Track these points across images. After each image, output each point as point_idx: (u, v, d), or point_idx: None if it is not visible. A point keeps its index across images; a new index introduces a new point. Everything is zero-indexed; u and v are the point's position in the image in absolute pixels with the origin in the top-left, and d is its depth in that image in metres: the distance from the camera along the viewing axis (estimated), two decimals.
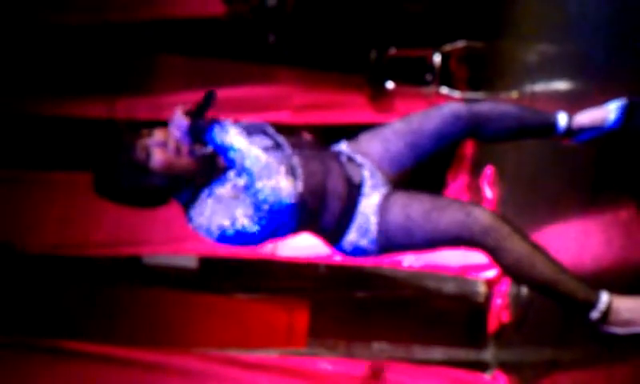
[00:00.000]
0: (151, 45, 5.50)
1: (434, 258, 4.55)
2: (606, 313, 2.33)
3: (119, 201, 2.45)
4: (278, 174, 2.31)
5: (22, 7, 5.13)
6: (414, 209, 2.43)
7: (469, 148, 5.37)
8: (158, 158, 2.37)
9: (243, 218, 2.33)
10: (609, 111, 2.61)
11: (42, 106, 5.23)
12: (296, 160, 2.45)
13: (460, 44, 5.41)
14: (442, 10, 5.65)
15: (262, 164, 2.31)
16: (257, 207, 2.32)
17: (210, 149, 2.40)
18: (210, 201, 2.38)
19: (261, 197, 2.31)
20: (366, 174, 2.53)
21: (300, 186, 2.39)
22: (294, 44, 5.78)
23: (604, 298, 2.34)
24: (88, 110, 5.22)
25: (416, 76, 5.46)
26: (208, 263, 5.19)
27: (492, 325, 4.60)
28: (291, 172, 2.37)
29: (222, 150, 2.36)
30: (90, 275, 5.03)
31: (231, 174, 2.41)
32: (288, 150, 2.49)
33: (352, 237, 2.47)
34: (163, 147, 2.38)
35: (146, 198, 2.44)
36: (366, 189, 2.50)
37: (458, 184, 5.41)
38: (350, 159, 2.55)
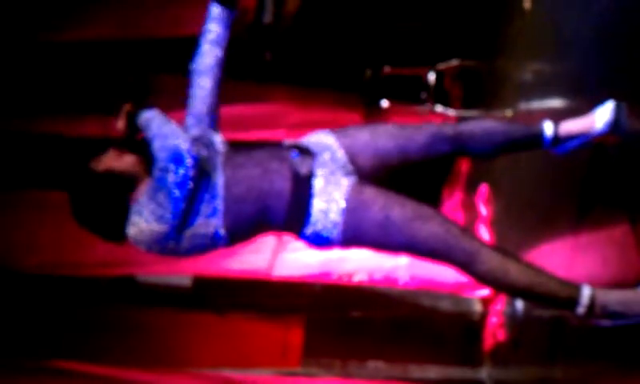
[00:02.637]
0: (146, 63, 5.50)
1: (430, 276, 4.53)
2: (591, 306, 2.36)
3: (87, 219, 2.56)
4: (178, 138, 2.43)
5: (15, 26, 5.12)
6: (395, 212, 2.43)
7: (464, 165, 5.37)
8: (102, 160, 2.55)
9: (149, 216, 2.43)
10: (595, 118, 2.61)
11: (36, 124, 5.22)
12: (220, 160, 2.48)
13: (454, 62, 5.43)
14: (437, 29, 5.66)
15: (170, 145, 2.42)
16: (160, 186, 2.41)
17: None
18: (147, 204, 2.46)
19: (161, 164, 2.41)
20: (323, 158, 2.49)
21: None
22: (290, 62, 5.78)
23: (586, 291, 2.37)
24: (82, 128, 5.21)
25: (411, 94, 5.46)
26: (202, 282, 5.17)
27: (487, 343, 4.58)
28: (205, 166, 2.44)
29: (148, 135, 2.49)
30: (84, 295, 5.00)
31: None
32: (219, 149, 2.52)
33: (315, 226, 2.45)
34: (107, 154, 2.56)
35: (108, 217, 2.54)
36: (324, 174, 2.47)
37: (453, 201, 5.40)
38: (304, 152, 2.51)
